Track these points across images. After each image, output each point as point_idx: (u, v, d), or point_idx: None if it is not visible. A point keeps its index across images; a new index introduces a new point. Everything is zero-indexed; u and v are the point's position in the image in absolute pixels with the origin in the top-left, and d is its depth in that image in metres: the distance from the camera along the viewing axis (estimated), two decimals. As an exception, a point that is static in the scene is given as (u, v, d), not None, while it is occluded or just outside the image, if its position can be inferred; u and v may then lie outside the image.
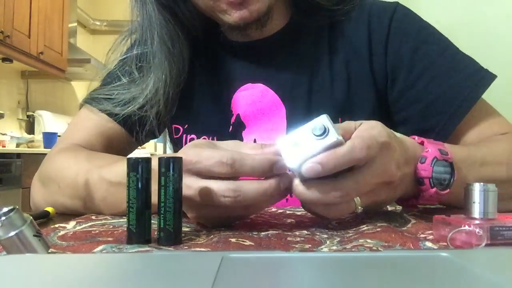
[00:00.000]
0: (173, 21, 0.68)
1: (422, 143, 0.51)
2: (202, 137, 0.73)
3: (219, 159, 0.41)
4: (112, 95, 0.70)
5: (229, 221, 0.46)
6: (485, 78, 0.64)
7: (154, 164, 0.39)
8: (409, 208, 0.53)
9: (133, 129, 0.72)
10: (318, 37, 0.71)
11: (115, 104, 0.70)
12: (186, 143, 0.74)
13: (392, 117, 0.70)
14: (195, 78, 0.74)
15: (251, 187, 0.41)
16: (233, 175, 0.41)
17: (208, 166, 0.41)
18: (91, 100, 0.72)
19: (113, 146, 0.72)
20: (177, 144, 0.77)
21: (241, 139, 0.71)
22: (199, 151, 0.42)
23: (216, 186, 0.41)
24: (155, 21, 0.67)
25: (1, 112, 3.23)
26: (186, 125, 0.75)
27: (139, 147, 0.85)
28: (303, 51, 0.71)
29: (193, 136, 0.74)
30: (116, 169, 0.53)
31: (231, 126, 0.72)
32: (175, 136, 0.77)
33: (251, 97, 0.71)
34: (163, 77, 0.68)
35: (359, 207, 0.43)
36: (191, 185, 0.41)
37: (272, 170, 0.41)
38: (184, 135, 0.75)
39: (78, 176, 0.56)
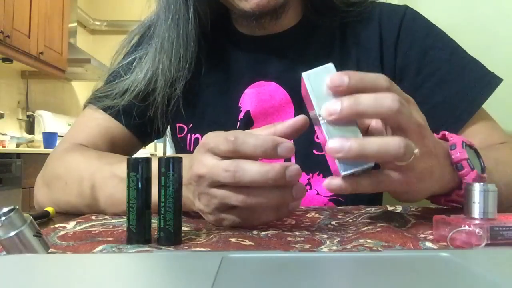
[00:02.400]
0: (186, 3, 0.67)
1: (443, 136, 0.50)
2: None
3: (225, 136, 0.41)
4: (112, 91, 0.70)
5: (229, 218, 0.44)
6: (490, 83, 0.65)
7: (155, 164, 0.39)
8: (454, 205, 0.50)
9: (135, 126, 0.72)
10: (329, 36, 0.71)
11: (113, 97, 0.69)
12: (190, 143, 0.73)
13: None
14: (201, 75, 0.73)
15: (251, 165, 0.40)
16: (234, 153, 0.41)
17: (216, 143, 0.42)
18: (94, 99, 0.72)
19: (117, 146, 0.72)
20: (180, 144, 0.76)
21: None
22: (217, 133, 0.43)
23: (222, 162, 0.41)
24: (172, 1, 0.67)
25: (1, 112, 3.24)
26: (191, 124, 0.74)
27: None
28: (315, 49, 0.71)
29: (197, 135, 0.73)
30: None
31: (238, 123, 0.71)
32: (179, 136, 0.75)
33: (261, 94, 0.70)
34: (164, 59, 0.67)
35: (415, 151, 0.39)
36: (205, 163, 0.42)
37: (276, 151, 0.40)
38: (189, 134, 0.74)
39: (88, 173, 0.57)
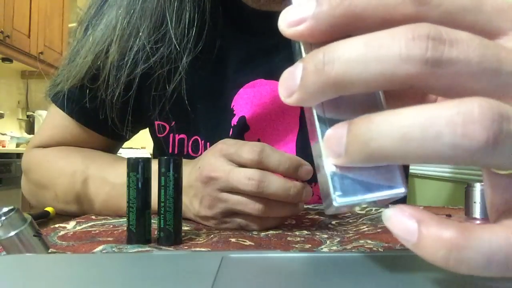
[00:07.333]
0: None
1: None
2: (193, 138, 0.63)
3: (251, 146, 0.42)
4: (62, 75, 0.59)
5: (232, 222, 0.44)
6: None
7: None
8: None
9: (97, 125, 0.61)
10: None
11: (66, 83, 0.58)
12: (174, 143, 0.63)
13: None
14: (187, 63, 0.58)
15: (276, 179, 0.41)
16: (258, 164, 0.41)
17: (237, 150, 0.42)
18: (52, 86, 0.61)
19: (91, 146, 0.64)
20: (162, 144, 0.64)
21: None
22: (238, 141, 0.44)
23: (244, 169, 0.41)
24: None
25: (1, 112, 3.24)
26: (174, 122, 0.62)
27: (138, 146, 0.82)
28: None
29: (182, 136, 0.63)
30: (120, 171, 0.52)
31: (231, 129, 0.61)
32: (159, 135, 0.64)
33: (259, 98, 0.60)
34: (117, 18, 0.54)
35: None
36: (221, 167, 0.42)
37: (297, 172, 0.42)
38: (171, 134, 0.63)
39: (78, 184, 0.54)
